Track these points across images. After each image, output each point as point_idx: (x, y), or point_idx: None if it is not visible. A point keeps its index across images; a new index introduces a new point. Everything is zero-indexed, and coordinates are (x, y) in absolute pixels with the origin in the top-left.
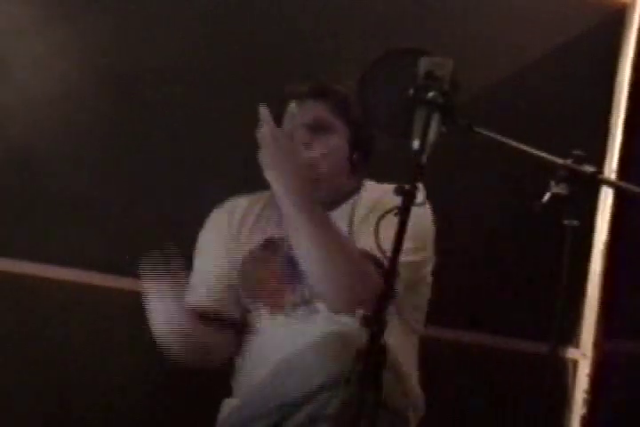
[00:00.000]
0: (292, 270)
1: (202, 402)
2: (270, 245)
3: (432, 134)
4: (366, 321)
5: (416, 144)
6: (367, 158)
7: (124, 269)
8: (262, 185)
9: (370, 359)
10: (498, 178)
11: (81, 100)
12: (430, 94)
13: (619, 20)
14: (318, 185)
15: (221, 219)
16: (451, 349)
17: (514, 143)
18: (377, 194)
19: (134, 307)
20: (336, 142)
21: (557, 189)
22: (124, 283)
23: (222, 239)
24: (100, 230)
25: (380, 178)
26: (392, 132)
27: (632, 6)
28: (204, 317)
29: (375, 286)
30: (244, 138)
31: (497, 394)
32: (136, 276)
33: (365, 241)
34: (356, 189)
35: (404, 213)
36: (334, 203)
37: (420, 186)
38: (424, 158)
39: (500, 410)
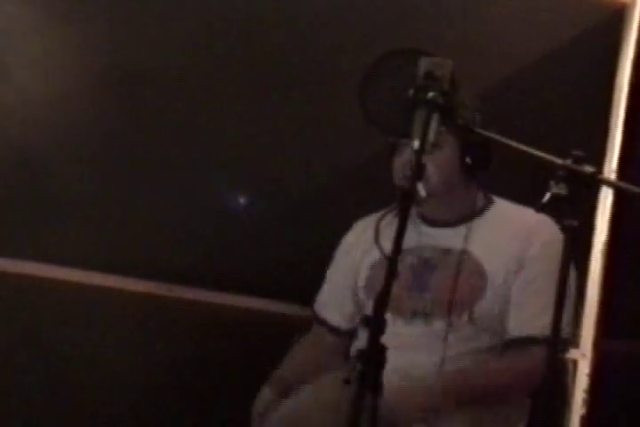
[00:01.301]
0: (413, 279)
1: (201, 402)
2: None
3: (432, 134)
4: (366, 321)
5: (416, 144)
6: (484, 164)
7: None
8: (262, 185)
9: (370, 359)
10: (498, 178)
11: (81, 100)
12: (430, 94)
13: (619, 20)
14: (430, 201)
15: (355, 237)
16: None
17: (514, 143)
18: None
19: (134, 307)
20: (445, 157)
21: (557, 189)
22: (124, 283)
23: (351, 259)
24: (100, 230)
25: None
26: (392, 132)
27: (632, 6)
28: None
29: (537, 374)
30: (244, 138)
31: None
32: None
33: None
34: (485, 205)
35: (403, 212)
36: (462, 217)
37: None
38: (424, 158)
39: None
